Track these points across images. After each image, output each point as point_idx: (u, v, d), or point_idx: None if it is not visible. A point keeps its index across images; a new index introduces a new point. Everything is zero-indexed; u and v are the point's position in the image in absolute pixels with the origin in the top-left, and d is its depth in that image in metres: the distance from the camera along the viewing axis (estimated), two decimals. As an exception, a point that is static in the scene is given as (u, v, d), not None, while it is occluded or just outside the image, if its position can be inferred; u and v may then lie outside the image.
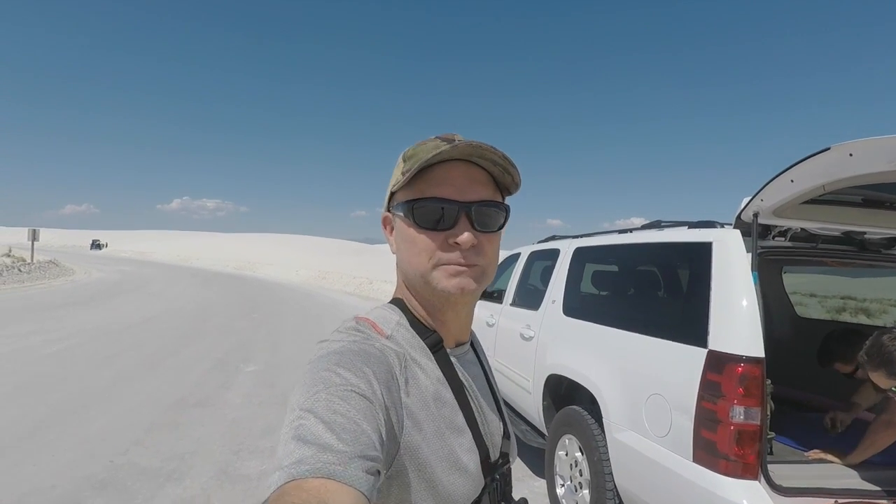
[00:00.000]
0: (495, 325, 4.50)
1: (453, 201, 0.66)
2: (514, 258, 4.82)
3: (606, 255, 3.18)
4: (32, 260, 19.80)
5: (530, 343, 3.62)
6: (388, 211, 0.74)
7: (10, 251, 22.64)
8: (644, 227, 2.94)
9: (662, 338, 2.30)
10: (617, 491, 2.51)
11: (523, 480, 3.64)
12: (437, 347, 0.70)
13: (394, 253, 0.74)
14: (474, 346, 0.84)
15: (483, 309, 5.00)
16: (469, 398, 0.71)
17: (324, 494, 0.44)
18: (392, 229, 0.74)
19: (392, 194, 0.72)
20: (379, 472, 0.50)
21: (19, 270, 16.77)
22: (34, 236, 20.23)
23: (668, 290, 2.64)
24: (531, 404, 3.57)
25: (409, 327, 0.70)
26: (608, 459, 2.56)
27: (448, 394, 0.68)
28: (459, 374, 0.71)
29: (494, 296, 5.02)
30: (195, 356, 6.85)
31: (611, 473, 2.53)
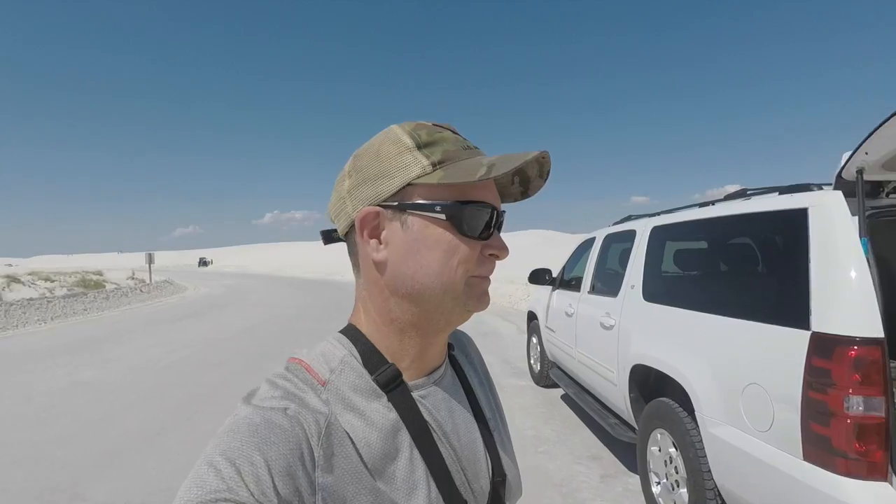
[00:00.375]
0: (574, 314, 4.33)
1: (495, 208, 0.58)
2: (589, 243, 4.60)
3: (687, 233, 2.92)
4: (150, 281, 22.16)
5: (611, 332, 3.43)
6: (383, 206, 0.57)
7: (133, 274, 25.51)
8: (728, 198, 2.65)
9: (757, 320, 2.05)
10: (718, 490, 2.29)
11: (616, 477, 3.46)
12: (393, 385, 0.58)
13: (377, 261, 0.58)
14: (456, 360, 0.71)
15: (562, 297, 4.83)
16: (438, 441, 0.60)
17: None
18: (378, 228, 0.57)
19: (405, 187, 0.56)
20: None
21: (140, 291, 18.86)
22: (150, 259, 22.69)
23: (761, 267, 2.35)
24: (617, 396, 3.38)
25: (359, 364, 0.58)
26: (705, 456, 2.35)
27: (405, 441, 0.57)
28: (424, 414, 0.59)
29: (572, 284, 4.84)
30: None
31: (709, 471, 2.32)
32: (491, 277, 0.61)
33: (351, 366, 0.58)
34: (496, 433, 0.71)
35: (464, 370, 0.73)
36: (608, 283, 3.85)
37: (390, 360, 0.59)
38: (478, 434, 0.67)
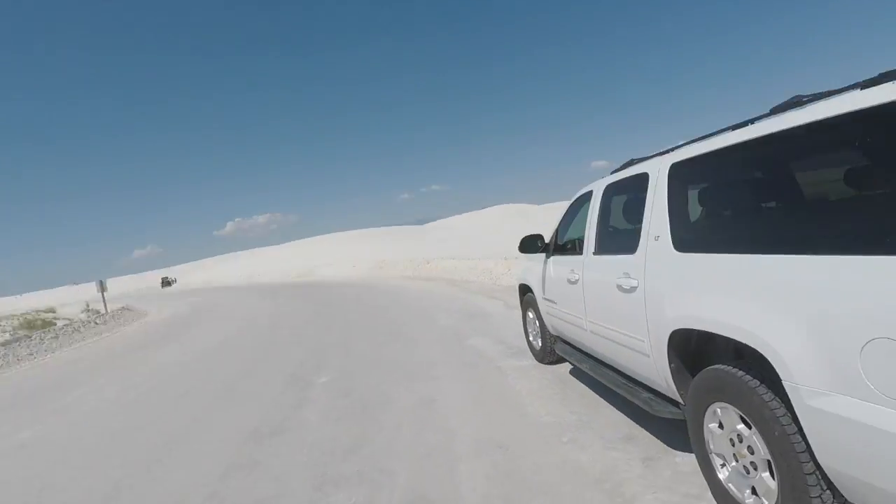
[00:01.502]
0: (579, 280, 3.81)
1: None
2: (584, 199, 4.07)
3: (726, 164, 2.39)
4: (106, 310, 20.71)
5: (634, 294, 2.92)
6: None
7: (87, 307, 23.86)
8: (775, 111, 2.13)
9: (877, 253, 1.54)
10: (822, 473, 1.81)
11: (660, 458, 2.99)
12: None
13: None
14: None
15: (561, 264, 4.32)
16: None
17: None
18: None
19: None
20: None
21: (95, 323, 17.51)
22: (102, 287, 20.99)
23: (866, 182, 1.84)
24: (651, 369, 2.88)
25: None
26: (797, 433, 1.86)
27: None
28: None
29: (569, 247, 4.33)
30: (267, 375, 6.59)
31: (806, 452, 1.83)
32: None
33: None
34: None
35: None
36: (620, 239, 3.34)
37: None
38: None
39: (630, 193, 3.27)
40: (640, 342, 2.94)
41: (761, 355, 1.93)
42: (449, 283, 15.64)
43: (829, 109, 1.78)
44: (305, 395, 5.39)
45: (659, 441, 3.21)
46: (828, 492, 1.83)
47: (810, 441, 1.79)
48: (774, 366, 1.86)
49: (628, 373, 3.36)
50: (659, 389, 2.98)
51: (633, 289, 2.94)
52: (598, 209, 3.67)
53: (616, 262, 3.20)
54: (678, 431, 3.08)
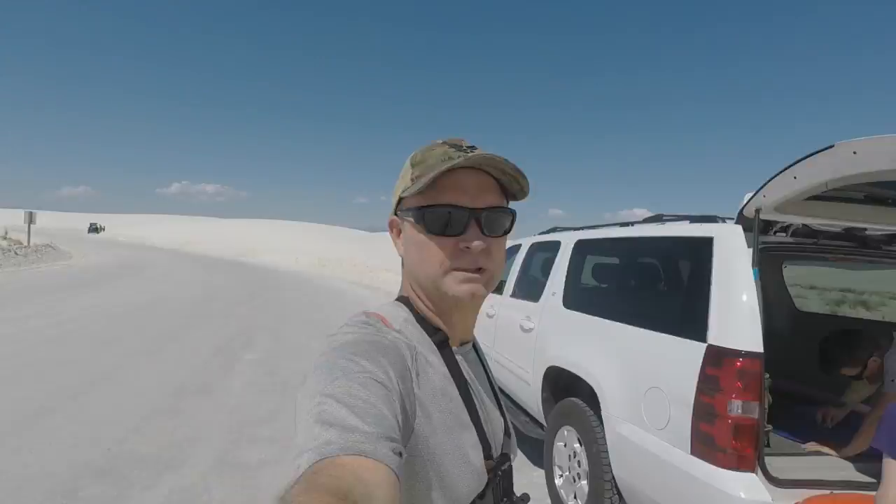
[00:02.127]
0: (495, 315, 4.52)
1: (463, 208, 0.68)
2: (514, 249, 4.82)
3: (607, 249, 3.19)
4: (29, 243, 19.67)
5: (530, 335, 3.64)
6: (396, 214, 0.76)
7: (6, 233, 22.45)
8: (646, 221, 2.94)
9: (662, 332, 2.31)
10: (615, 482, 2.54)
11: (521, 470, 3.67)
12: (443, 345, 0.72)
13: (400, 255, 0.76)
14: (475, 345, 0.86)
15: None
16: (473, 395, 0.72)
17: (358, 470, 0.45)
18: (399, 232, 0.76)
19: (401, 199, 0.73)
20: (401, 453, 0.51)
21: (16, 254, 16.69)
22: (31, 219, 19.84)
23: (669, 285, 2.64)
24: (531, 396, 3.60)
25: (417, 324, 0.72)
26: (606, 451, 2.59)
27: (453, 390, 0.69)
28: (464, 372, 0.73)
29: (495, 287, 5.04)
30: (196, 342, 6.88)
31: (609, 465, 2.56)
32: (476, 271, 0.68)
33: (413, 323, 0.72)
34: (501, 401, 0.85)
35: (479, 355, 0.86)
36: (530, 288, 4.08)
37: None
38: (494, 398, 0.81)
39: (546, 254, 4.04)
40: (526, 373, 3.65)
41: (593, 391, 2.67)
42: (387, 296, 16.07)
43: (670, 230, 2.59)
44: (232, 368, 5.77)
45: (526, 458, 3.89)
46: (616, 496, 2.55)
47: (611, 456, 2.52)
48: (599, 399, 2.60)
49: (516, 399, 4.07)
50: (533, 414, 3.69)
51: (530, 330, 3.66)
52: (521, 260, 4.42)
53: (524, 306, 3.93)
54: (536, 450, 3.77)
